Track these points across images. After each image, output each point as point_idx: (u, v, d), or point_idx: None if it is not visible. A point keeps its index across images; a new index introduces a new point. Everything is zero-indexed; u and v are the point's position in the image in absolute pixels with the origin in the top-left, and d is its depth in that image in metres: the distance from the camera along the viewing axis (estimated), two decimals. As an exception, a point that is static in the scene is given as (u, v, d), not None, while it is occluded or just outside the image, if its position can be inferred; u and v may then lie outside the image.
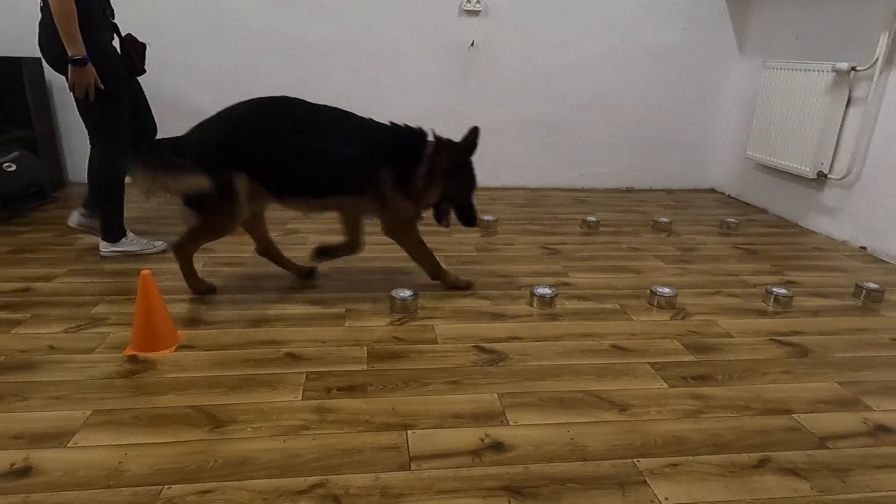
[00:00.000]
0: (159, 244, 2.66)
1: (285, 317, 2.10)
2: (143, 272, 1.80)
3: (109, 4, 2.41)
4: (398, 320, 2.10)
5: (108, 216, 2.55)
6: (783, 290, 2.37)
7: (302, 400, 1.61)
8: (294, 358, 1.83)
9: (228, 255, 2.68)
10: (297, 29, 3.72)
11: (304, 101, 2.11)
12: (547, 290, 2.27)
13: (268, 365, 1.78)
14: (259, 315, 2.11)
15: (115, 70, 2.34)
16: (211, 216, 2.05)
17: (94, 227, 2.64)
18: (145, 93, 2.62)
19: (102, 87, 2.28)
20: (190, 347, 1.87)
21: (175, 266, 2.49)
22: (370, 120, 2.20)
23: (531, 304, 2.27)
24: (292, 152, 2.03)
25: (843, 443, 1.52)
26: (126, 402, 1.57)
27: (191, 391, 1.63)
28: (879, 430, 1.58)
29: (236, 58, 3.67)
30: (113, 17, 2.41)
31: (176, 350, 1.85)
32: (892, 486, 1.37)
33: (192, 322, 2.04)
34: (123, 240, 2.59)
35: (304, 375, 1.73)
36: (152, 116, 2.67)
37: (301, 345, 1.91)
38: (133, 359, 1.79)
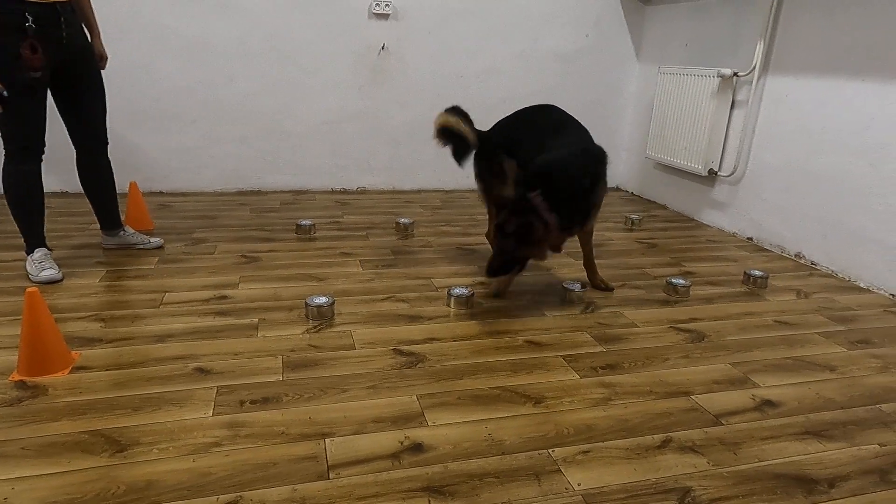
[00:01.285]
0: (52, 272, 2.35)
1: (193, 330, 2.00)
2: (28, 290, 1.66)
3: (52, 9, 2.16)
4: (314, 328, 2.06)
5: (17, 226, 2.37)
6: (681, 281, 2.53)
7: (213, 416, 1.55)
8: (203, 373, 1.75)
9: (131, 267, 2.52)
10: (196, 28, 3.56)
11: (560, 110, 2.52)
12: (464, 291, 2.31)
13: (174, 382, 1.69)
14: (164, 330, 2.00)
15: (9, 77, 2.12)
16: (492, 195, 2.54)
17: (129, 242, 2.71)
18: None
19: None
20: (87, 368, 1.74)
21: (69, 283, 2.33)
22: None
23: (448, 305, 2.29)
24: (538, 145, 2.32)
25: (735, 419, 1.65)
26: (12, 433, 1.44)
27: (88, 415, 1.52)
28: (765, 405, 1.72)
29: (129, 56, 3.47)
30: (51, 26, 2.17)
31: (70, 372, 1.71)
32: (777, 455, 1.50)
33: (90, 341, 1.90)
34: (30, 256, 2.37)
35: (215, 390, 1.66)
36: (96, 131, 2.49)
37: (211, 359, 1.83)
38: (20, 384, 1.64)
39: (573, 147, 2.23)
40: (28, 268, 2.35)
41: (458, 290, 2.30)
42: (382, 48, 3.87)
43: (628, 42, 4.29)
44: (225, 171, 3.88)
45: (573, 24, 4.15)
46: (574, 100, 4.32)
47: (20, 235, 2.38)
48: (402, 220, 3.23)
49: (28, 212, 2.35)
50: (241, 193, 3.90)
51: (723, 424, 1.62)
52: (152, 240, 2.76)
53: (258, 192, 3.95)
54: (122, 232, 2.71)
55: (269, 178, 3.97)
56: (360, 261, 2.76)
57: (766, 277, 2.65)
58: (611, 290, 2.52)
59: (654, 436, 1.55)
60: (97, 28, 2.47)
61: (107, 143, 2.56)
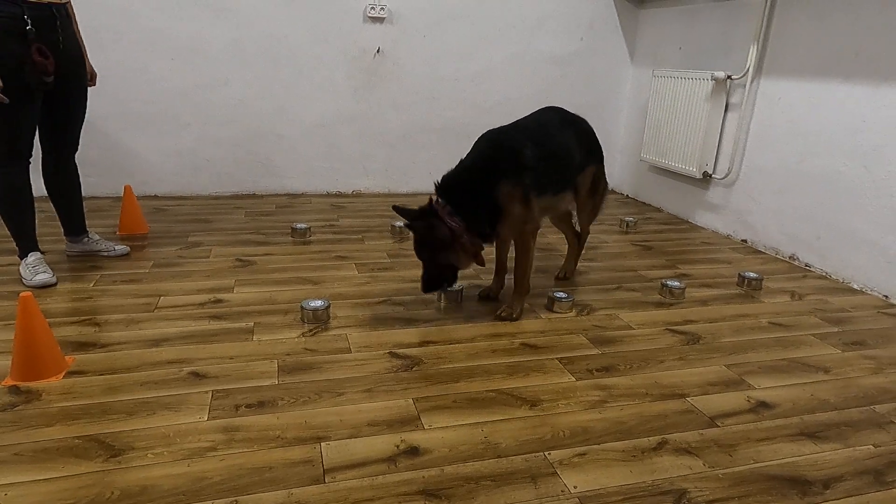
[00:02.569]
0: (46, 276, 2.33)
1: (187, 334, 2.00)
2: (22, 294, 1.65)
3: (49, 12, 2.16)
4: (309, 331, 2.06)
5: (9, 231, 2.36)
6: (676, 283, 2.54)
7: (208, 420, 1.54)
8: (198, 377, 1.74)
9: (125, 271, 2.51)
10: (191, 31, 3.56)
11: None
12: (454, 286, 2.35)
13: (169, 386, 1.69)
14: (158, 334, 1.99)
15: (17, 83, 2.10)
16: None
17: (94, 249, 2.64)
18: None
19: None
20: (81, 373, 1.73)
21: (63, 287, 2.32)
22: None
23: (439, 300, 2.35)
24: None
25: (730, 420, 1.65)
26: (6, 438, 1.43)
27: (82, 420, 1.52)
28: (760, 407, 1.73)
29: (123, 60, 3.46)
30: (47, 30, 2.16)
31: (64, 377, 1.71)
32: (773, 457, 1.50)
33: (84, 345, 1.89)
34: (23, 260, 2.36)
35: (210, 394, 1.65)
36: (72, 136, 2.46)
37: (206, 363, 1.82)
38: (14, 390, 1.63)
39: (475, 155, 2.13)
40: (22, 272, 2.34)
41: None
42: (377, 51, 3.87)
43: (622, 45, 4.31)
44: (220, 175, 3.88)
45: (567, 26, 4.16)
46: (568, 103, 4.30)
47: (12, 240, 2.37)
48: (398, 224, 3.23)
49: (19, 215, 2.34)
50: (236, 197, 3.89)
51: (718, 426, 1.62)
52: (118, 247, 2.69)
53: (253, 196, 3.94)
54: (86, 238, 2.66)
55: (265, 181, 3.97)
56: (355, 264, 2.75)
57: (761, 279, 2.66)
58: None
59: (650, 438, 1.55)
60: (84, 46, 2.43)
61: (77, 148, 2.52)
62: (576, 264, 2.71)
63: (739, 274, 2.72)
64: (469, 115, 4.12)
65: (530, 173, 2.08)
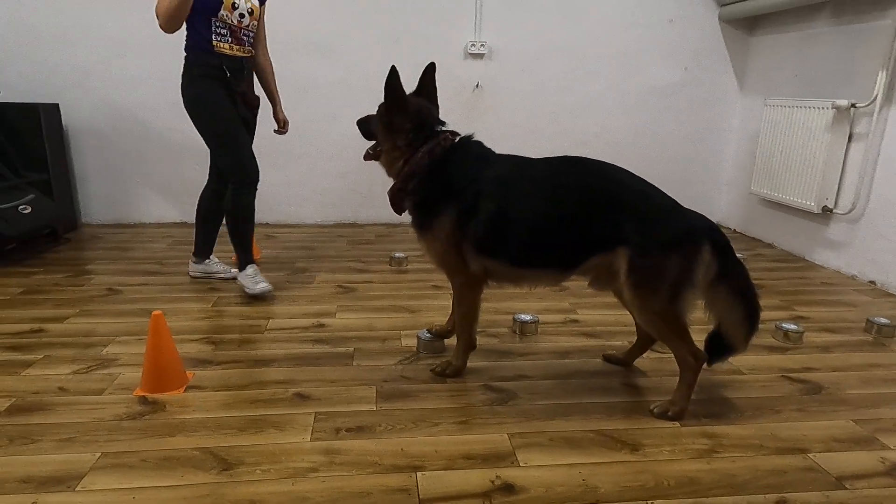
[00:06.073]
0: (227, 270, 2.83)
1: (293, 356, 2.10)
2: (154, 312, 1.82)
3: (240, 64, 2.54)
4: (407, 359, 2.10)
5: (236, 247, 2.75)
6: (793, 326, 2.35)
7: (310, 441, 1.60)
8: (302, 398, 1.82)
9: (240, 294, 2.70)
10: (303, 72, 3.82)
11: None
12: (527, 317, 2.37)
13: (276, 405, 1.78)
14: (267, 355, 2.11)
15: (229, 114, 2.52)
16: None
17: (214, 270, 2.90)
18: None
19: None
20: (199, 388, 1.87)
21: (185, 306, 2.52)
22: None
23: (515, 332, 2.35)
24: None
25: (861, 483, 1.49)
26: (134, 445, 1.57)
27: (199, 433, 1.63)
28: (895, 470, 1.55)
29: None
30: (238, 77, 2.54)
31: (185, 391, 1.85)
32: (914, 529, 1.34)
33: (201, 362, 2.04)
34: (242, 272, 2.66)
35: (313, 416, 1.72)
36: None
37: (309, 385, 1.90)
38: (142, 400, 1.79)
39: (479, 152, 2.26)
40: (243, 281, 2.63)
41: (522, 317, 2.37)
42: (476, 86, 3.96)
43: (731, 73, 4.13)
44: (325, 205, 4.09)
45: (670, 57, 4.06)
46: (673, 134, 4.21)
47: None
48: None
49: (248, 231, 2.67)
50: (338, 225, 4.08)
51: (846, 488, 1.47)
52: (233, 270, 2.87)
53: (354, 225, 4.11)
54: (208, 261, 2.91)
55: (364, 211, 4.14)
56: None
57: (894, 326, 2.40)
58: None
59: (766, 495, 1.43)
60: (278, 98, 2.88)
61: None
62: (633, 358, 2.11)
63: (868, 319, 2.47)
64: (568, 147, 4.03)
65: (476, 225, 1.79)
